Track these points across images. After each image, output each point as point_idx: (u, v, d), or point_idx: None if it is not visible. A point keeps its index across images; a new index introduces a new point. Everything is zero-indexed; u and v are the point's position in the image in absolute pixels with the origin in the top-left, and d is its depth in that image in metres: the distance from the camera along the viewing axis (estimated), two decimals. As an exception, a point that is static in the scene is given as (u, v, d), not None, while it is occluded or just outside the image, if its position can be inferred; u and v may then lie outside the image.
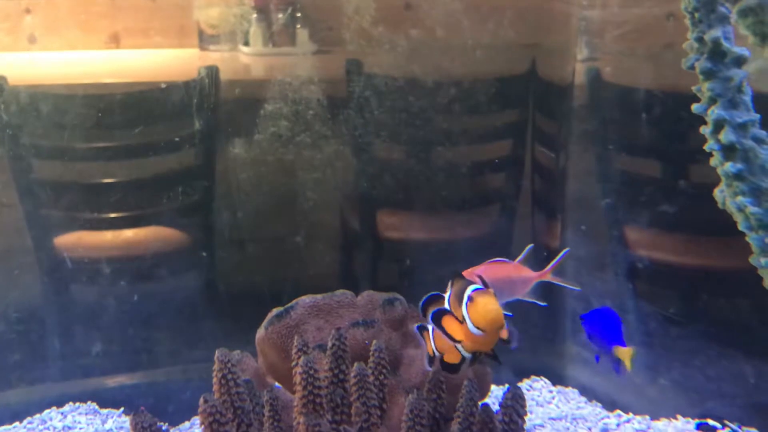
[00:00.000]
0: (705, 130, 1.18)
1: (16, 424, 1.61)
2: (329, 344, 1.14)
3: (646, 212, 1.63)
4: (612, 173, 1.71)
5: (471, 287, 0.98)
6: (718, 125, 1.14)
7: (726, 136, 1.13)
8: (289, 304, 1.42)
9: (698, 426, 1.51)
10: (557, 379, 1.74)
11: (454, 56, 1.73)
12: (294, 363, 1.12)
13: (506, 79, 1.80)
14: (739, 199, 1.14)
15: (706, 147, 1.18)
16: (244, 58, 1.74)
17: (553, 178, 1.79)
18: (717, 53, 1.11)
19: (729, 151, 1.14)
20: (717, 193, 1.21)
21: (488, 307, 0.95)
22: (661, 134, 1.62)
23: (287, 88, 1.69)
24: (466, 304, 0.97)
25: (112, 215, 1.72)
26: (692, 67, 1.18)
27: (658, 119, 1.59)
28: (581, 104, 1.73)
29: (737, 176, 1.13)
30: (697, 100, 1.18)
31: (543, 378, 1.74)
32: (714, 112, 1.14)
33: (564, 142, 1.76)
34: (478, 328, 0.96)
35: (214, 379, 1.08)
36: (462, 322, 0.98)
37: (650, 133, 1.64)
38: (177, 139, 1.72)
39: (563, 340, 1.76)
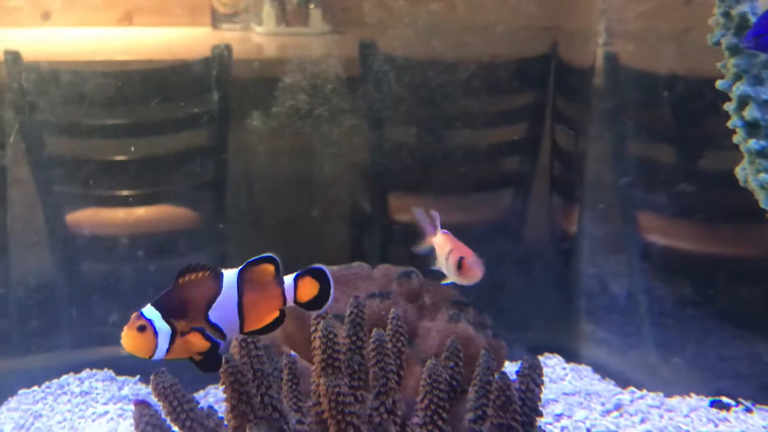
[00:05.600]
0: (729, 106, 1.17)
1: (35, 388, 1.63)
2: (347, 311, 1.14)
3: (663, 194, 1.63)
4: (631, 155, 1.71)
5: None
6: (743, 102, 1.14)
7: (750, 112, 1.13)
8: (307, 275, 1.43)
9: (712, 403, 1.52)
10: (570, 356, 1.74)
11: (475, 33, 1.73)
12: (313, 329, 1.13)
13: (527, 60, 1.79)
14: (762, 176, 1.14)
15: (729, 124, 1.18)
16: (257, 38, 1.74)
17: (572, 159, 1.79)
18: (744, 29, 1.11)
19: (753, 128, 1.14)
20: (739, 171, 1.20)
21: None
22: (682, 117, 1.62)
23: (300, 68, 1.69)
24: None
25: (126, 192, 1.73)
26: (718, 43, 1.18)
27: (679, 101, 1.59)
28: (602, 85, 1.72)
29: (761, 153, 1.13)
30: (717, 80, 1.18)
31: (557, 355, 1.75)
32: (739, 89, 1.13)
33: (584, 124, 1.75)
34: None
35: (234, 342, 1.09)
36: None
37: (671, 116, 1.63)
38: (189, 117, 1.73)
39: (577, 318, 1.76)
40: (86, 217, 1.73)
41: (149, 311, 0.85)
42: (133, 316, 0.85)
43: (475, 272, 1.13)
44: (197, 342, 0.86)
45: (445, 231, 1.22)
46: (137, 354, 0.85)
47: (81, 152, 1.70)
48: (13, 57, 1.59)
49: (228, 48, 1.68)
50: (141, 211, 1.77)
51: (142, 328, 0.84)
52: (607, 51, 1.69)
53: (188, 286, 0.87)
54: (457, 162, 1.80)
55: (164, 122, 1.72)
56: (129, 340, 0.85)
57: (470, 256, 1.15)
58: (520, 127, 1.84)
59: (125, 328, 0.85)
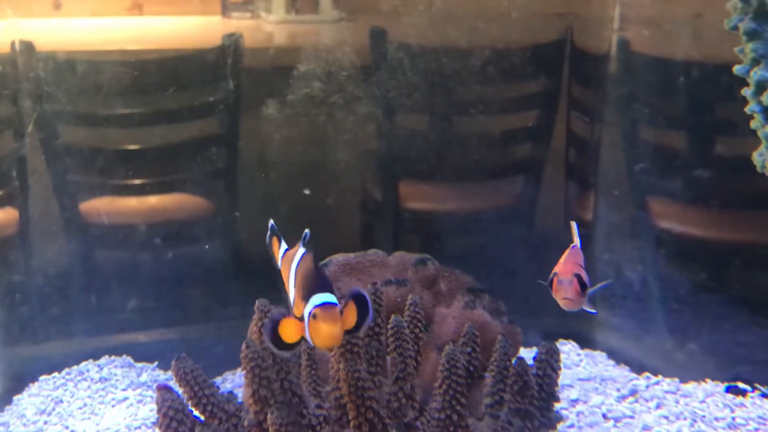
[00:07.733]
0: (746, 91, 1.16)
1: (55, 374, 1.66)
2: (366, 298, 1.15)
3: (679, 180, 1.63)
4: (647, 141, 1.70)
5: (318, 297, 0.86)
6: (761, 87, 1.13)
7: (768, 97, 1.12)
8: (322, 262, 1.45)
9: (728, 389, 1.52)
10: (585, 342, 1.74)
11: (489, 20, 1.72)
12: (331, 315, 1.14)
13: (542, 46, 1.79)
14: (780, 161, 1.13)
15: (747, 109, 1.17)
16: (267, 26, 1.74)
17: (587, 146, 1.79)
18: (762, 13, 1.10)
19: (771, 113, 1.13)
20: (756, 156, 1.20)
21: (328, 332, 0.84)
22: (697, 102, 1.61)
23: (314, 56, 1.69)
24: (308, 319, 0.85)
25: (143, 181, 1.75)
26: (735, 28, 1.17)
27: (694, 86, 1.58)
28: (617, 71, 1.71)
29: (779, 139, 1.12)
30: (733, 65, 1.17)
31: (571, 341, 1.75)
32: (757, 74, 1.12)
33: (599, 110, 1.75)
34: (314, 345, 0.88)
35: (254, 328, 1.11)
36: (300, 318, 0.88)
37: (686, 101, 1.63)
38: (204, 105, 1.73)
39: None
40: (103, 206, 1.74)
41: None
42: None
43: (562, 292, 0.97)
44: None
45: (575, 245, 1.09)
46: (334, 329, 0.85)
47: (97, 141, 1.71)
48: (28, 47, 1.60)
49: (240, 36, 1.68)
50: (157, 199, 1.79)
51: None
52: (622, 37, 1.69)
53: None
54: (471, 149, 1.80)
55: (179, 111, 1.73)
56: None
57: (563, 274, 0.99)
58: (535, 114, 1.84)
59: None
